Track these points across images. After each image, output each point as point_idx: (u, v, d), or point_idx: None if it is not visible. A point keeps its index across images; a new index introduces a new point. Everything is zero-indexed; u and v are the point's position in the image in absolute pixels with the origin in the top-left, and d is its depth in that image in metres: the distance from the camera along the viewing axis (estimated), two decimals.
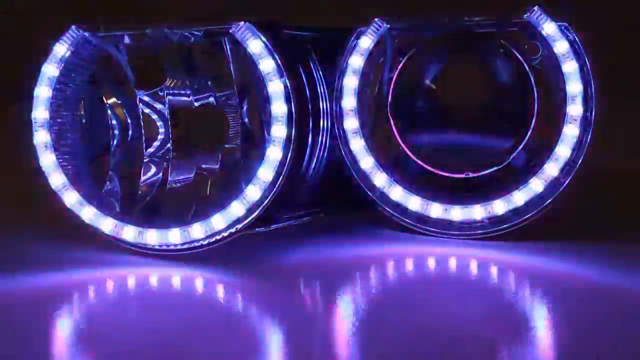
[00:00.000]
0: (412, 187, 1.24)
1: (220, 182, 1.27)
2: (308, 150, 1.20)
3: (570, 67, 1.16)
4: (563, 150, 1.17)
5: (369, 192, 1.25)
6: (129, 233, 1.17)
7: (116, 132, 1.29)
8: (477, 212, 1.20)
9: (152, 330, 0.97)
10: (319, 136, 1.22)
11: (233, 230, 1.15)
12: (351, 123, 1.24)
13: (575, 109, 1.17)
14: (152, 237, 1.16)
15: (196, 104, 1.28)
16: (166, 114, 1.29)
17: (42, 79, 1.20)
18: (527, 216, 1.20)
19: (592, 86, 1.17)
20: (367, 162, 1.24)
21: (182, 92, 1.28)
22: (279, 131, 1.13)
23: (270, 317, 1.03)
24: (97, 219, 1.18)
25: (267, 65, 1.13)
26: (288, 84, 1.13)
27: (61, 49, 1.20)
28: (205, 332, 0.96)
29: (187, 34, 1.19)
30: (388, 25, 1.24)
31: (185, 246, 1.16)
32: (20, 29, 2.55)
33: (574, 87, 1.17)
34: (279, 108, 1.13)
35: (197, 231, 1.14)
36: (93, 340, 0.95)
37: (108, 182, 1.27)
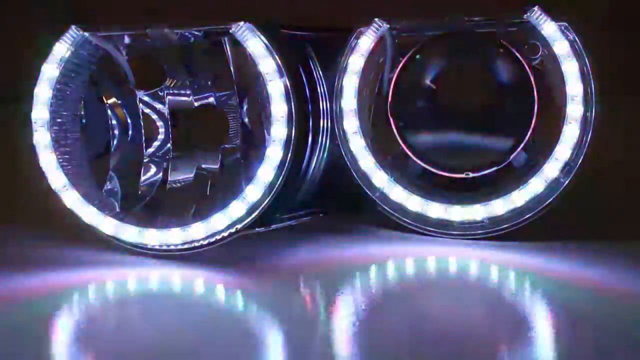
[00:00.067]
0: (412, 187, 1.24)
1: (220, 182, 1.27)
2: (308, 150, 1.20)
3: (570, 67, 1.16)
4: (563, 150, 1.17)
5: (369, 192, 1.25)
6: (129, 233, 1.17)
7: (116, 132, 1.29)
8: (477, 212, 1.20)
9: (152, 331, 0.97)
10: (319, 136, 1.22)
11: (233, 230, 1.15)
12: (351, 123, 1.24)
13: (575, 109, 1.17)
14: (152, 237, 1.16)
15: (196, 104, 1.28)
16: (166, 114, 1.29)
17: (42, 79, 1.20)
18: (526, 216, 1.20)
19: (592, 86, 1.17)
20: (367, 162, 1.24)
21: (182, 92, 1.28)
22: (279, 131, 1.13)
23: (270, 317, 1.03)
24: (97, 219, 1.18)
25: (267, 65, 1.13)
26: (288, 84, 1.13)
27: (61, 49, 1.20)
28: (205, 332, 0.96)
29: (187, 34, 1.19)
30: (388, 25, 1.24)
31: (185, 246, 1.16)
32: (20, 29, 2.55)
33: (574, 87, 1.16)
34: (279, 108, 1.13)
35: (197, 231, 1.14)
36: (93, 340, 0.95)
37: (108, 182, 1.26)
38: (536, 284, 1.09)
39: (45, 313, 1.02)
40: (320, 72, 1.24)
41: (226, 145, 1.26)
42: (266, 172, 1.13)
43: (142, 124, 1.29)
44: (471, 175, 1.26)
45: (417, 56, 1.27)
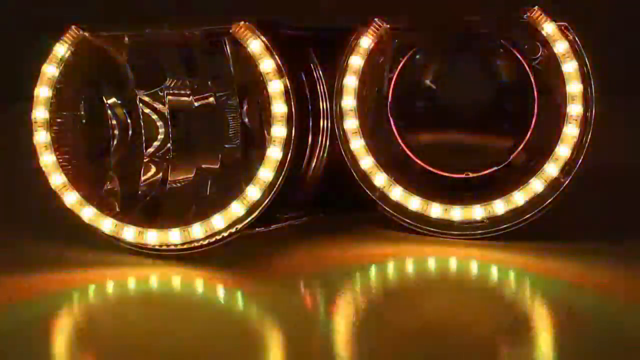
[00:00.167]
0: (412, 187, 1.24)
1: (220, 182, 1.27)
2: (308, 150, 1.20)
3: (570, 67, 1.16)
4: (563, 150, 1.17)
5: (369, 192, 1.25)
6: (129, 233, 1.17)
7: (116, 132, 1.29)
8: (477, 212, 1.20)
9: (151, 330, 0.97)
10: (318, 136, 1.22)
11: (233, 230, 1.15)
12: (351, 123, 1.24)
13: (575, 109, 1.17)
14: (152, 237, 1.16)
15: (196, 104, 1.28)
16: (166, 114, 1.29)
17: (42, 79, 1.20)
18: (527, 216, 1.20)
19: (592, 86, 1.17)
20: (367, 162, 1.24)
21: (182, 92, 1.28)
22: (279, 131, 1.13)
23: (270, 317, 1.03)
24: (97, 219, 1.18)
25: (267, 65, 1.13)
26: (288, 84, 1.13)
27: (61, 49, 1.20)
28: (205, 332, 0.96)
29: (187, 34, 1.19)
30: (388, 25, 1.24)
31: (185, 246, 1.16)
32: (20, 29, 2.55)
33: (574, 87, 1.17)
34: (279, 108, 1.13)
35: (197, 231, 1.14)
36: (93, 340, 0.95)
37: (108, 182, 1.26)
38: (536, 284, 1.09)
39: (45, 313, 1.02)
40: (320, 72, 1.24)
41: (226, 145, 1.26)
42: (266, 172, 1.13)
43: (142, 124, 1.29)
44: (471, 175, 1.26)
45: (417, 56, 1.27)
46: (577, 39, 1.17)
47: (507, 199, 1.19)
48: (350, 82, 1.23)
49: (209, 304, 1.08)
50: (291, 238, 1.25)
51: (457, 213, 1.21)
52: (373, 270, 1.17)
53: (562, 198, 1.19)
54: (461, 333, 0.94)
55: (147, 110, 1.29)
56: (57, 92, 1.21)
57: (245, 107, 1.23)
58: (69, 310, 1.05)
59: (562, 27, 1.17)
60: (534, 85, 1.23)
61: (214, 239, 1.15)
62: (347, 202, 1.29)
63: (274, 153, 1.13)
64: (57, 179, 1.20)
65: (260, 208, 1.14)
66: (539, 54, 1.22)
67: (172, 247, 1.16)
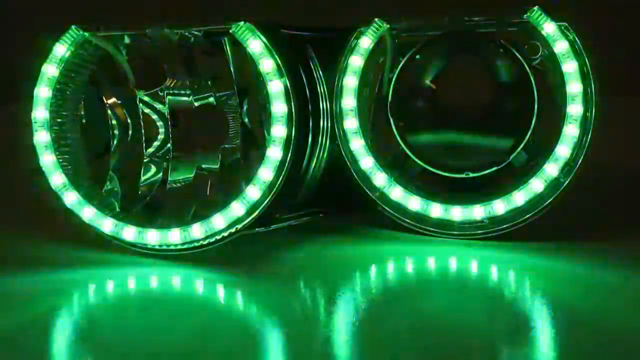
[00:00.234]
0: (412, 187, 1.24)
1: (220, 182, 1.27)
2: (308, 150, 1.20)
3: (570, 67, 1.16)
4: (563, 150, 1.17)
5: (369, 192, 1.25)
6: (129, 233, 1.17)
7: (116, 132, 1.29)
8: (477, 212, 1.20)
9: (151, 330, 0.97)
10: (318, 136, 1.22)
11: (233, 230, 1.15)
12: (351, 123, 1.24)
13: (575, 109, 1.17)
14: (152, 237, 1.16)
15: (196, 104, 1.28)
16: (166, 114, 1.29)
17: (42, 79, 1.20)
18: (527, 216, 1.20)
19: (592, 86, 1.17)
20: (367, 162, 1.24)
21: (182, 92, 1.28)
22: (279, 131, 1.13)
23: (270, 317, 1.03)
24: (97, 219, 1.18)
25: (267, 65, 1.13)
26: (288, 84, 1.13)
27: (61, 49, 1.20)
28: (205, 332, 0.96)
29: (187, 34, 1.19)
30: (388, 25, 1.24)
31: (185, 246, 1.16)
32: (20, 29, 2.55)
33: (574, 87, 1.17)
34: (279, 108, 1.13)
35: (197, 231, 1.14)
36: (93, 340, 0.95)
37: (108, 182, 1.27)
38: (536, 284, 1.09)
39: (45, 313, 1.02)
40: (320, 72, 1.24)
41: (226, 145, 1.26)
42: (266, 172, 1.13)
43: (142, 124, 1.29)
44: (471, 175, 1.26)
45: (417, 56, 1.27)
46: (577, 39, 1.17)
47: (507, 199, 1.19)
48: (350, 82, 1.24)
49: (208, 303, 1.08)
50: (291, 238, 1.25)
51: (457, 213, 1.21)
52: (373, 270, 1.17)
53: (562, 198, 1.19)
54: (461, 333, 0.94)
55: (147, 110, 1.29)
56: (57, 92, 1.21)
57: (245, 107, 1.23)
58: (69, 310, 1.05)
59: (562, 27, 1.17)
60: (534, 85, 1.23)
61: (214, 239, 1.15)
62: (347, 202, 1.29)
63: (274, 153, 1.13)
64: (57, 179, 1.20)
65: (260, 208, 1.14)
66: (539, 54, 1.22)
67: (172, 247, 1.16)
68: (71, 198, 1.19)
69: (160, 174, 1.30)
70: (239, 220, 1.14)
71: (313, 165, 1.23)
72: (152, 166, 1.30)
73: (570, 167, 1.18)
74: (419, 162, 1.27)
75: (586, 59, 1.17)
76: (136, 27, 1.20)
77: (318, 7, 2.41)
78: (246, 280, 1.12)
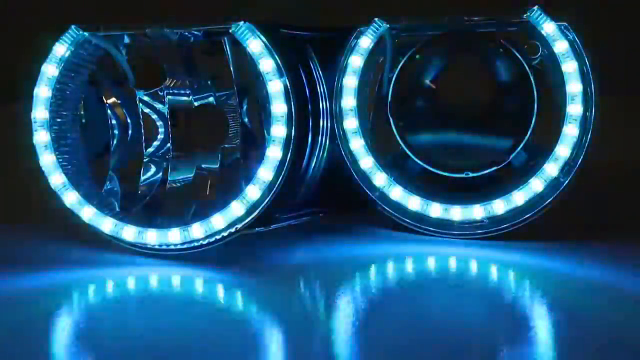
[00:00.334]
0: (412, 187, 1.24)
1: (220, 182, 1.27)
2: (308, 150, 1.20)
3: (570, 67, 1.16)
4: (563, 150, 1.17)
5: (369, 192, 1.25)
6: (129, 233, 1.17)
7: (116, 132, 1.29)
8: (477, 212, 1.20)
9: (151, 330, 0.97)
10: (319, 136, 1.22)
11: (233, 230, 1.15)
12: (351, 123, 1.24)
13: (575, 109, 1.17)
14: (152, 237, 1.16)
15: (196, 104, 1.28)
16: (166, 114, 1.29)
17: (42, 79, 1.20)
18: (527, 216, 1.20)
19: (592, 86, 1.17)
20: (367, 162, 1.24)
21: (182, 92, 1.28)
22: (279, 131, 1.13)
23: (270, 317, 1.03)
24: (97, 219, 1.18)
25: (267, 65, 1.13)
26: (288, 84, 1.13)
27: (61, 49, 1.20)
28: (205, 332, 0.96)
29: (187, 34, 1.19)
30: (388, 25, 1.24)
31: (185, 246, 1.16)
32: (20, 29, 2.55)
33: (574, 87, 1.17)
34: (279, 108, 1.13)
35: (197, 231, 1.14)
36: (93, 340, 0.95)
37: (108, 182, 1.27)
38: (536, 284, 1.09)
39: (45, 313, 1.02)
40: (320, 72, 1.24)
41: (226, 145, 1.26)
42: (266, 172, 1.13)
43: (142, 124, 1.29)
44: (471, 175, 1.26)
45: (417, 56, 1.27)
46: (577, 39, 1.17)
47: (507, 199, 1.19)
48: (350, 82, 1.24)
49: (208, 303, 1.08)
50: (291, 238, 1.25)
51: (457, 213, 1.21)
52: (373, 270, 1.17)
53: (562, 198, 1.19)
54: (461, 333, 0.94)
55: (147, 110, 1.29)
56: (57, 92, 1.21)
57: (245, 107, 1.23)
58: (69, 310, 1.05)
59: (562, 27, 1.17)
60: (534, 85, 1.23)
61: (214, 239, 1.15)
62: (347, 202, 1.29)
63: (274, 153, 1.13)
64: (57, 179, 1.20)
65: (260, 208, 1.14)
66: (539, 54, 1.22)
67: (172, 247, 1.16)
68: (71, 198, 1.19)
69: (160, 174, 1.30)
70: (239, 220, 1.14)
71: (313, 165, 1.23)
72: (152, 166, 1.30)
73: (570, 167, 1.18)
74: (419, 162, 1.27)
75: (586, 59, 1.17)
76: (136, 27, 1.20)
77: (318, 7, 2.41)
78: (246, 280, 1.12)
